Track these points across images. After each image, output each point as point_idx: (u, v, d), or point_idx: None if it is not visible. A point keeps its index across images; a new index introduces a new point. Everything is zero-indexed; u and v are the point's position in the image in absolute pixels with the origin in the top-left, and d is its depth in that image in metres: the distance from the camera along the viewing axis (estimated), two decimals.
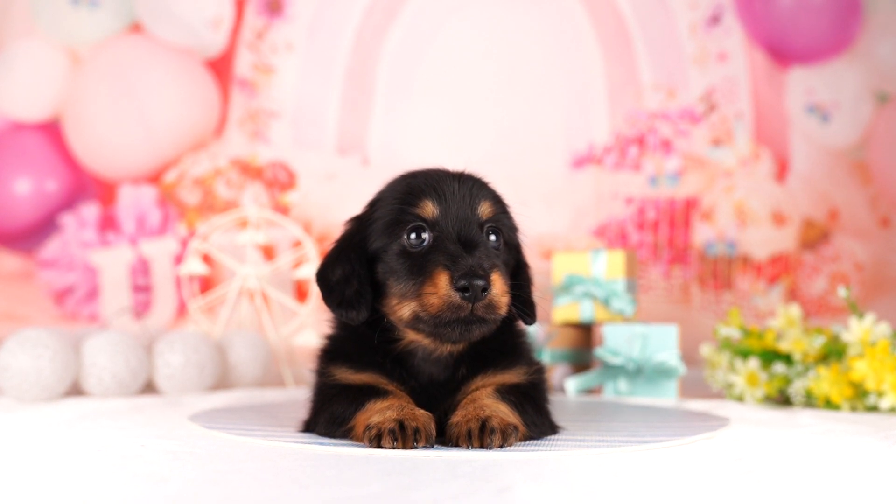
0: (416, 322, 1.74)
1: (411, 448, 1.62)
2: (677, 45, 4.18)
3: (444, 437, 1.71)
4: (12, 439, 1.86)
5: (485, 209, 1.81)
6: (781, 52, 4.15)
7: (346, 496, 1.25)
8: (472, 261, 1.69)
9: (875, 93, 4.11)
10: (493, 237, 1.82)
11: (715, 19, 4.16)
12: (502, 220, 1.85)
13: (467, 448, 1.65)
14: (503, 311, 1.73)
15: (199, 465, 1.50)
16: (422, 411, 1.70)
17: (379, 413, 1.68)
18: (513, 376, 1.87)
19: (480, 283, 1.65)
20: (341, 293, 1.82)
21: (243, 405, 2.52)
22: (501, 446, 1.65)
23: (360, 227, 1.87)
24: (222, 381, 3.02)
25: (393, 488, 1.29)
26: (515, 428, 1.70)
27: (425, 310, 1.70)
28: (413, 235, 1.77)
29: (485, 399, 1.76)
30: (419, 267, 1.73)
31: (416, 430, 1.63)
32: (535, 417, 1.83)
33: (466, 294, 1.66)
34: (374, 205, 1.88)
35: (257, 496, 1.26)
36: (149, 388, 2.90)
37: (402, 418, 1.64)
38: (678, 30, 4.18)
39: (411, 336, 1.83)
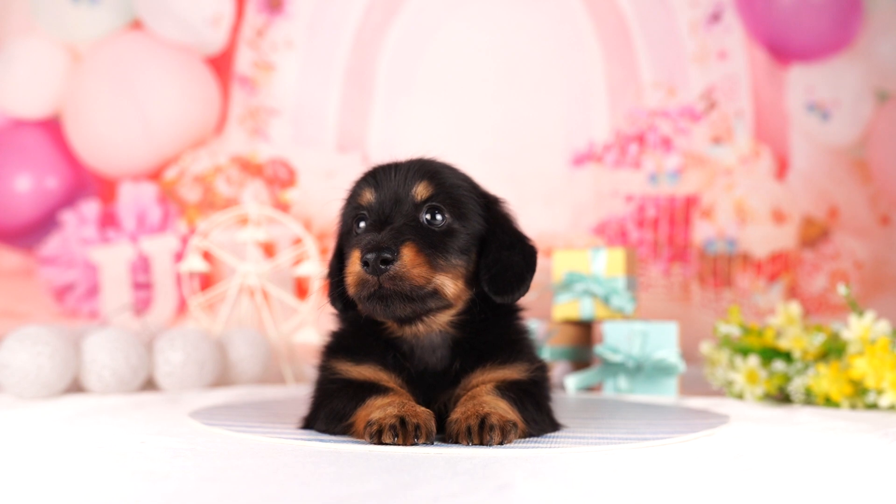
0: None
1: (412, 444, 1.63)
2: (677, 43, 4.18)
3: (444, 434, 1.72)
4: (12, 436, 1.86)
5: (420, 190, 1.84)
6: (782, 49, 4.15)
7: (346, 493, 1.25)
8: (378, 237, 1.73)
9: (875, 91, 4.10)
10: (437, 216, 1.83)
11: (715, 17, 4.16)
12: (445, 199, 1.84)
13: (467, 445, 1.65)
14: (417, 282, 1.72)
15: (200, 461, 1.50)
16: (422, 408, 1.71)
17: (380, 409, 1.69)
18: (513, 373, 1.87)
19: (373, 255, 1.68)
20: (331, 286, 1.95)
21: (243, 402, 2.52)
22: (501, 443, 1.66)
23: None
24: (222, 379, 3.02)
25: (393, 485, 1.29)
26: (515, 425, 1.71)
27: (350, 289, 1.76)
28: (361, 224, 1.85)
29: (484, 395, 1.76)
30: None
31: (417, 427, 1.63)
32: (535, 414, 1.83)
33: (367, 268, 1.70)
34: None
35: (257, 493, 1.26)
36: (149, 385, 2.90)
37: (402, 414, 1.65)
38: (678, 28, 4.18)
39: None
